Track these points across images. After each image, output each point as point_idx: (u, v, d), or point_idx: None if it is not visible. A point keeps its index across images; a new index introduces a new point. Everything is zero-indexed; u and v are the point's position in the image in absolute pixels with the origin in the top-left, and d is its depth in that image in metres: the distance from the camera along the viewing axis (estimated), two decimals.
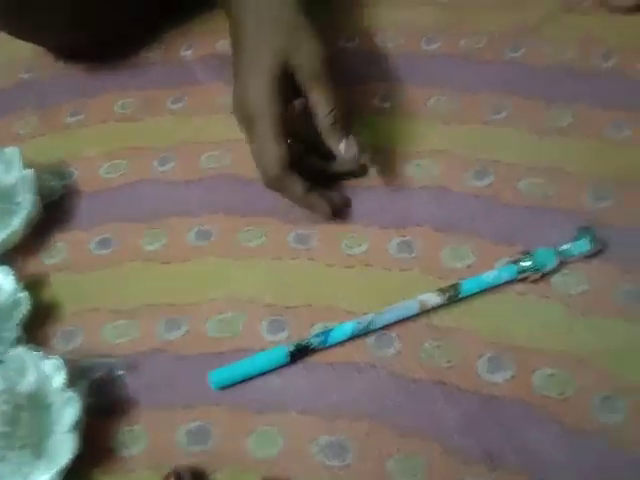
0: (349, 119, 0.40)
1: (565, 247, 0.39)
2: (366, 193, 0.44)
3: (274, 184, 0.40)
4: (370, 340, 0.38)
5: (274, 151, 0.38)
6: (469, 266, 0.40)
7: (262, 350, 0.38)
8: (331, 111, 0.39)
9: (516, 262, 0.38)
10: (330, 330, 0.37)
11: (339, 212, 0.43)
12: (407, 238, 0.42)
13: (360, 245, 0.42)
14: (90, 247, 0.45)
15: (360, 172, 0.45)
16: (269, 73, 0.39)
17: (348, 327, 0.37)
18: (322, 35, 0.40)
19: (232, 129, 0.46)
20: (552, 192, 0.43)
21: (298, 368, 0.37)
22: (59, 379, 0.34)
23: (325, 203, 0.41)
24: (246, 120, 0.40)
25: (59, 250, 0.45)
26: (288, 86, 0.40)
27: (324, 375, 0.37)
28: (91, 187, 0.48)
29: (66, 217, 0.47)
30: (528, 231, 0.41)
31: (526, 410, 0.34)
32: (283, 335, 0.39)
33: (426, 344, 0.37)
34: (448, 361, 0.36)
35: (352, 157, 0.40)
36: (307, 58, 0.39)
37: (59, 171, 0.49)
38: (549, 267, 0.38)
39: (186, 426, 0.36)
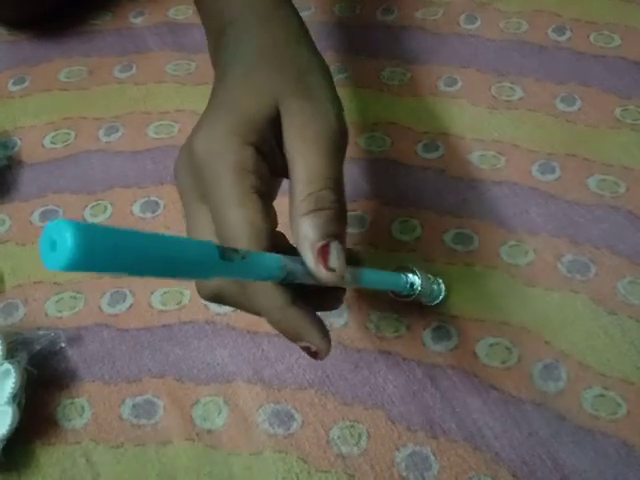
0: (343, 223, 0.26)
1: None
2: None
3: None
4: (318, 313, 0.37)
5: (236, 216, 0.23)
6: (417, 239, 0.40)
7: (207, 323, 0.37)
8: (312, 193, 0.24)
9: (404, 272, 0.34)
10: None
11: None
12: (358, 212, 0.42)
13: None
14: (33, 219, 0.43)
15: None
16: (246, 115, 0.25)
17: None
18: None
19: (181, 98, 0.45)
20: (500, 165, 0.43)
21: (245, 339, 0.37)
22: None
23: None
24: (192, 176, 0.26)
25: (1, 222, 0.43)
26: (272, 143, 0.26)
27: (270, 345, 0.37)
28: (35, 158, 0.47)
29: (8, 188, 0.45)
30: (476, 204, 0.41)
31: (468, 379, 0.35)
32: (229, 308, 0.38)
33: (372, 315, 0.37)
34: (395, 331, 0.37)
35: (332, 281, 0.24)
36: (311, 111, 0.26)
37: (2, 141, 0.47)
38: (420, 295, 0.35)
39: (132, 400, 0.36)
